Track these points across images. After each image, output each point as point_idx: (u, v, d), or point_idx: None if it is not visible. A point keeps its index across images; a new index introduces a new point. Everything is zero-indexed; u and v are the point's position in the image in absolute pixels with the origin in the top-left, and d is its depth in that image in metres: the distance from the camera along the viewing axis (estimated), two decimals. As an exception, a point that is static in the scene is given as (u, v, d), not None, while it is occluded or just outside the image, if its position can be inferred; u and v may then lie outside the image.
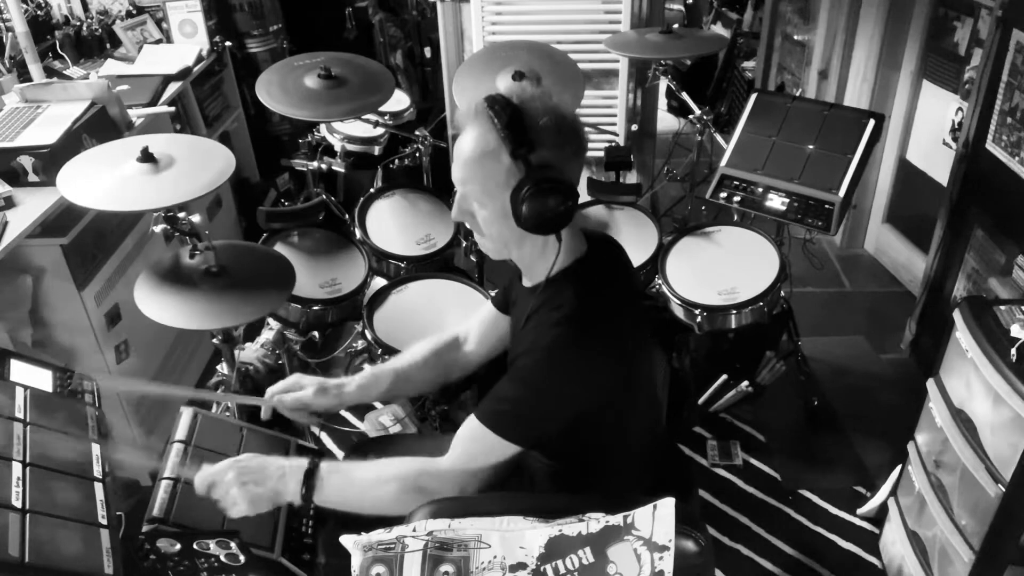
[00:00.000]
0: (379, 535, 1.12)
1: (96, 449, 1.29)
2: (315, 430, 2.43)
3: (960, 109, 2.76)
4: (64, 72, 2.63)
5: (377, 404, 2.57)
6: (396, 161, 2.71)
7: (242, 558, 1.24)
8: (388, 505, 1.24)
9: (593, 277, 1.29)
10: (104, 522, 1.17)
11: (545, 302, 1.25)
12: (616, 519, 1.08)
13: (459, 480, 1.24)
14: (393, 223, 2.40)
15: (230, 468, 1.25)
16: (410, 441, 1.89)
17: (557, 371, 1.21)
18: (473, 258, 2.55)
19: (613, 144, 3.00)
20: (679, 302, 2.19)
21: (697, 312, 2.16)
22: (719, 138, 2.73)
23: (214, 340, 1.92)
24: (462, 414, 2.25)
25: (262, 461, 1.28)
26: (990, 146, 2.29)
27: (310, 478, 1.25)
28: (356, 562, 1.11)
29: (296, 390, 1.50)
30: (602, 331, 1.23)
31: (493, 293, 1.63)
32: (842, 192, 2.18)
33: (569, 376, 1.21)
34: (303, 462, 1.27)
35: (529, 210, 1.16)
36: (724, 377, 2.29)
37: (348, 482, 1.28)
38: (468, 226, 1.30)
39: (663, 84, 3.12)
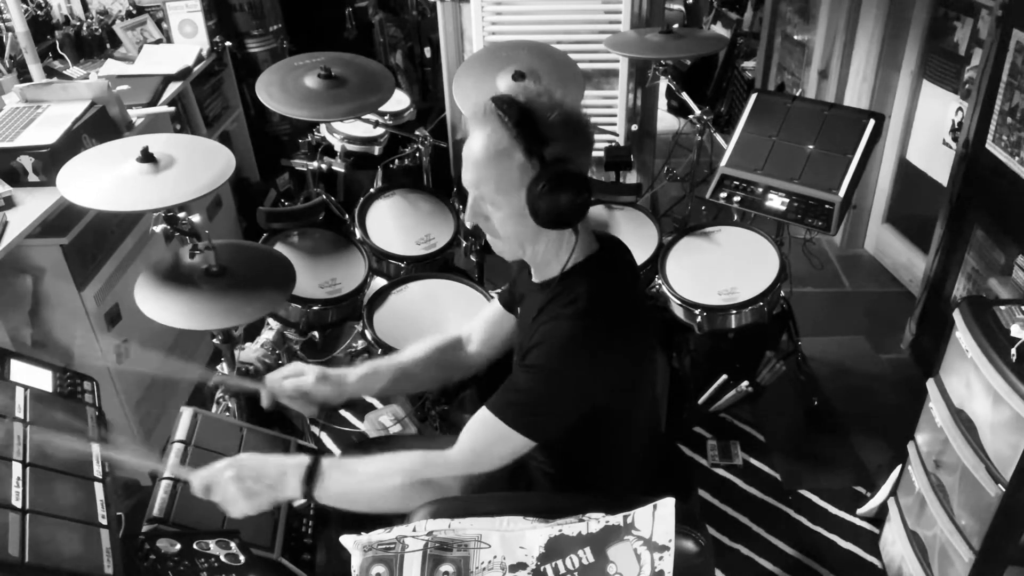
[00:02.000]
0: (379, 535, 1.12)
1: (96, 449, 1.29)
2: (315, 430, 2.43)
3: (960, 109, 2.76)
4: (64, 72, 2.63)
5: (377, 404, 2.57)
6: (396, 161, 2.72)
7: (242, 558, 1.24)
8: (392, 499, 1.23)
9: (605, 274, 1.30)
10: (104, 522, 1.17)
11: (557, 296, 1.26)
12: (616, 519, 1.08)
13: (465, 471, 1.24)
14: (393, 223, 2.40)
15: (228, 467, 1.24)
16: (410, 441, 1.89)
17: (570, 365, 1.21)
18: (473, 258, 2.55)
19: (613, 144, 3.00)
20: (679, 302, 2.19)
21: (697, 312, 2.16)
22: (719, 138, 2.73)
23: (214, 340, 1.92)
24: (463, 415, 2.25)
25: (261, 459, 1.28)
26: (990, 146, 2.29)
27: (311, 474, 1.24)
28: (356, 562, 1.11)
29: (296, 376, 1.49)
30: (615, 327, 1.23)
31: (498, 291, 1.62)
32: (842, 192, 2.18)
33: (582, 370, 1.21)
34: (303, 459, 1.26)
35: (548, 205, 1.16)
36: (724, 377, 2.29)
37: (350, 477, 1.27)
38: (483, 229, 1.30)
39: (663, 84, 3.12)
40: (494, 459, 1.24)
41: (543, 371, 1.22)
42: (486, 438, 1.24)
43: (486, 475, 1.24)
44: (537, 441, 1.23)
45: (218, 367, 2.02)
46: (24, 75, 2.44)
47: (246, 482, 1.23)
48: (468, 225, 1.30)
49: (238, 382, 1.75)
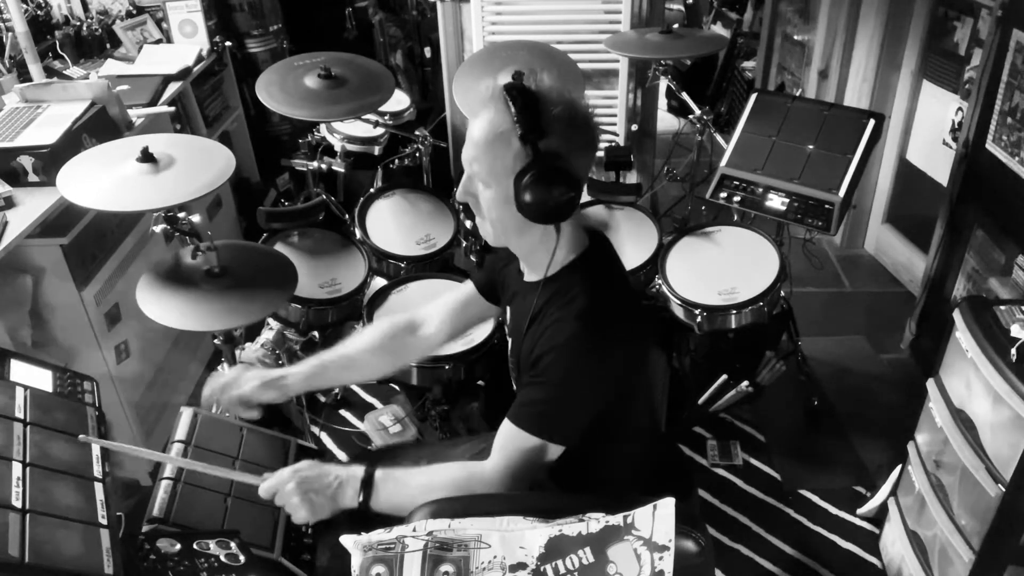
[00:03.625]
0: (379, 535, 1.12)
1: (96, 449, 1.29)
2: (315, 430, 2.43)
3: (960, 109, 2.76)
4: (64, 72, 2.63)
5: (377, 404, 2.57)
6: (396, 161, 2.72)
7: (242, 558, 1.24)
8: None
9: (600, 270, 1.30)
10: (104, 522, 1.16)
11: (554, 296, 1.26)
12: (616, 519, 1.08)
13: (505, 484, 1.25)
14: (393, 223, 2.40)
15: (291, 478, 1.26)
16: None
17: (582, 364, 1.21)
18: (473, 258, 2.55)
19: (613, 144, 3.00)
20: (679, 302, 2.19)
21: (697, 312, 2.16)
22: (719, 138, 2.73)
23: (215, 340, 1.92)
24: (463, 415, 2.26)
25: (321, 470, 1.29)
26: (990, 146, 2.29)
27: (367, 486, 1.26)
28: (356, 562, 1.11)
29: (238, 386, 1.47)
30: (617, 324, 1.24)
31: (473, 273, 1.61)
32: (842, 192, 2.18)
33: (592, 368, 1.22)
34: (359, 471, 1.28)
35: (530, 197, 1.16)
36: (724, 377, 2.28)
37: (401, 489, 1.28)
38: (471, 208, 1.30)
39: (663, 84, 3.12)
40: (531, 470, 1.25)
41: (559, 376, 1.22)
42: (519, 453, 1.25)
43: (527, 485, 1.26)
44: (568, 445, 1.24)
45: (218, 367, 2.02)
46: (24, 75, 2.44)
47: (308, 493, 1.25)
48: (458, 200, 1.30)
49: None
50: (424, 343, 1.60)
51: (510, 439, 1.25)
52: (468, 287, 1.58)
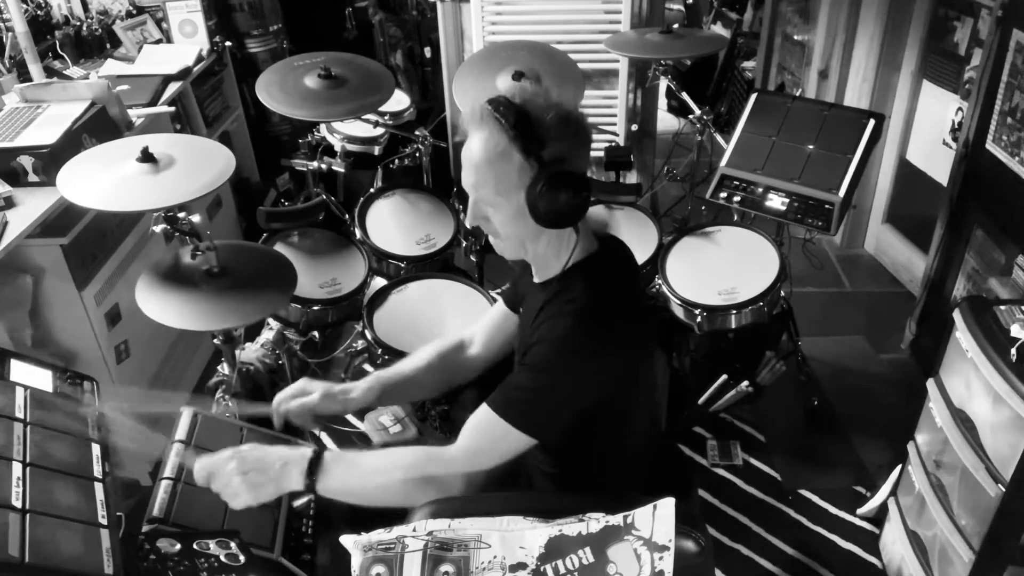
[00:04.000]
0: (379, 535, 1.12)
1: (96, 449, 1.29)
2: (315, 430, 2.43)
3: (960, 109, 2.76)
4: (64, 72, 2.63)
5: (377, 404, 2.57)
6: (396, 161, 2.72)
7: (242, 558, 1.24)
8: (394, 494, 1.24)
9: (604, 273, 1.30)
10: (104, 522, 1.17)
11: (557, 295, 1.26)
12: (616, 519, 1.08)
13: (466, 468, 1.24)
14: (393, 223, 2.40)
15: (231, 458, 1.24)
16: (412, 442, 1.88)
17: (569, 362, 1.21)
18: (473, 258, 2.55)
19: (613, 144, 3.00)
20: (679, 302, 2.19)
21: (697, 312, 2.16)
22: (719, 138, 2.73)
23: (215, 340, 1.92)
24: (463, 415, 2.25)
25: (264, 451, 1.27)
26: (990, 146, 2.29)
27: (313, 467, 1.24)
28: (356, 562, 1.11)
29: (302, 396, 1.49)
30: (613, 325, 1.24)
31: (501, 291, 1.63)
32: (842, 192, 2.18)
33: (581, 367, 1.22)
34: (306, 451, 1.26)
35: (547, 205, 1.17)
36: (724, 377, 2.29)
37: (352, 470, 1.27)
38: (484, 230, 1.30)
39: (663, 84, 3.13)
40: (495, 456, 1.24)
41: (543, 369, 1.22)
42: (487, 436, 1.24)
43: (487, 472, 1.24)
44: (538, 439, 1.23)
45: (218, 367, 2.02)
46: (24, 75, 2.44)
47: (249, 473, 1.23)
48: (469, 226, 1.31)
49: (246, 409, 1.73)
50: (473, 362, 1.62)
51: (483, 423, 1.24)
52: (500, 305, 1.59)
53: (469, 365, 1.62)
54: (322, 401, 1.48)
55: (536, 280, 1.37)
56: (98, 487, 1.22)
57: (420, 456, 1.26)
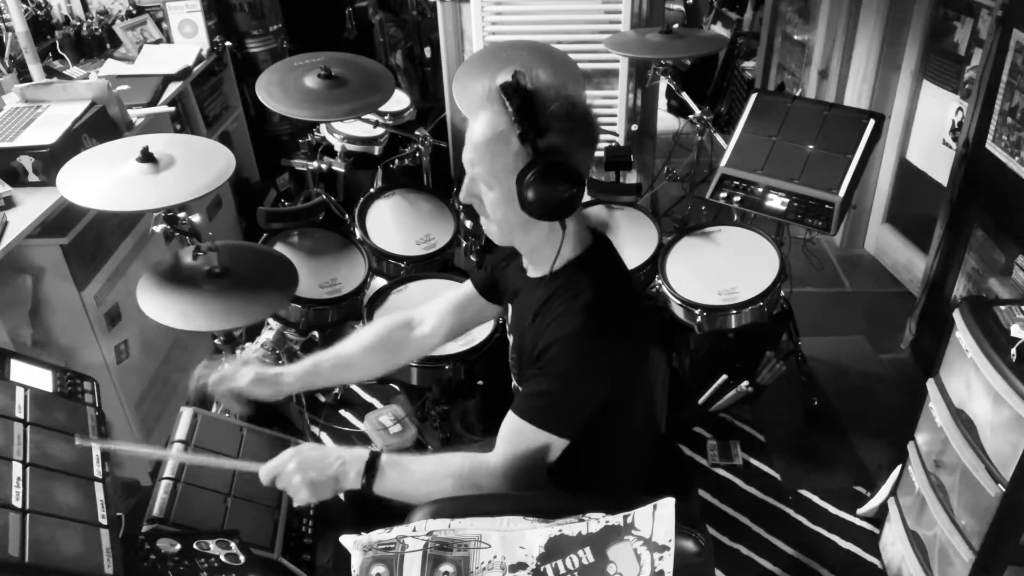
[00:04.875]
0: (379, 535, 1.12)
1: (96, 449, 1.29)
2: (315, 430, 2.43)
3: (960, 109, 2.76)
4: (64, 72, 2.63)
5: (377, 404, 2.57)
6: (396, 161, 2.72)
7: (242, 558, 1.24)
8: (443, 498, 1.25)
9: (605, 267, 1.31)
10: (104, 522, 1.17)
11: (558, 291, 1.26)
12: (616, 519, 1.08)
13: (509, 476, 1.25)
14: (393, 223, 2.40)
15: (291, 459, 1.25)
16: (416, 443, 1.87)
17: (586, 357, 1.22)
18: (473, 258, 2.55)
19: (613, 144, 3.00)
20: (679, 302, 2.19)
21: (697, 312, 2.16)
22: (719, 138, 2.73)
23: (215, 341, 1.92)
24: (463, 416, 2.25)
25: (322, 451, 1.28)
26: (990, 146, 2.29)
27: (371, 468, 1.25)
28: (356, 562, 1.11)
29: (233, 380, 1.48)
30: (620, 319, 1.24)
31: (473, 273, 1.61)
32: (842, 192, 2.18)
33: (595, 362, 1.22)
34: (363, 452, 1.27)
35: (533, 194, 1.17)
36: (724, 377, 2.29)
37: (406, 476, 1.27)
38: (476, 209, 1.30)
39: (663, 84, 3.13)
40: (535, 464, 1.25)
41: (563, 369, 1.22)
42: (524, 445, 1.25)
43: (528, 474, 1.25)
44: (569, 439, 1.24)
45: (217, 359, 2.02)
46: (24, 75, 2.44)
47: (309, 473, 1.24)
48: (462, 202, 1.30)
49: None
50: (420, 343, 1.60)
51: (514, 432, 1.25)
52: (467, 287, 1.58)
53: (415, 345, 1.60)
54: (253, 385, 1.47)
55: (530, 274, 1.36)
56: (98, 487, 1.22)
57: (467, 465, 1.27)
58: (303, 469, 1.24)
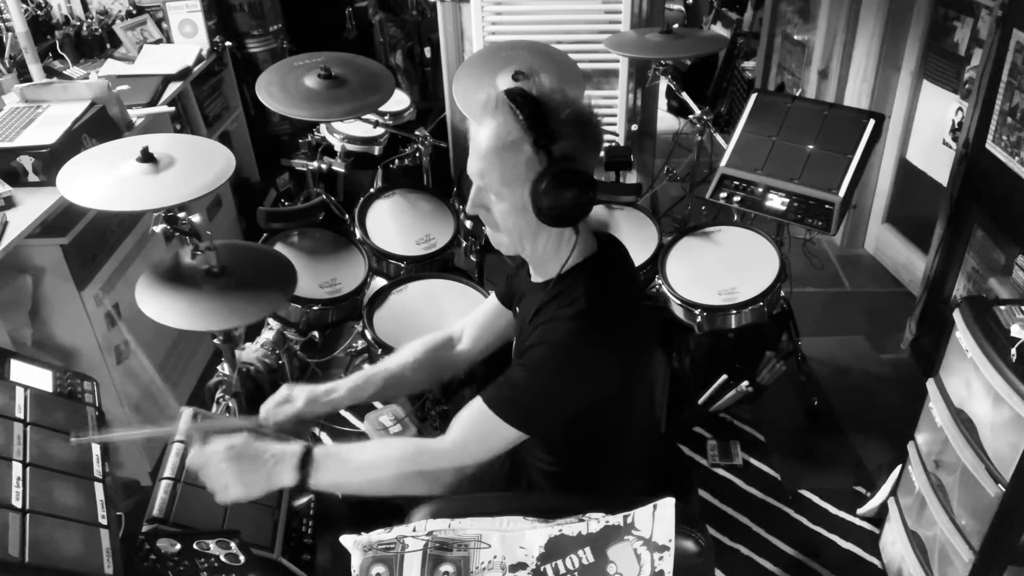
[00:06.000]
0: (379, 535, 1.12)
1: (96, 449, 1.29)
2: (315, 430, 2.43)
3: (960, 109, 2.76)
4: (64, 72, 2.63)
5: (377, 404, 2.56)
6: (396, 161, 2.71)
7: (242, 558, 1.24)
8: (385, 487, 1.24)
9: (604, 275, 1.30)
10: (104, 522, 1.17)
11: (556, 297, 1.26)
12: (616, 519, 1.08)
13: (457, 461, 1.23)
14: (393, 223, 2.40)
15: (224, 450, 1.23)
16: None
17: (566, 365, 1.21)
18: (473, 258, 2.55)
19: (613, 144, 3.00)
20: (679, 302, 2.19)
21: (697, 312, 2.16)
22: (719, 138, 2.73)
23: (215, 340, 1.92)
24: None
25: (256, 446, 1.26)
26: (990, 146, 2.29)
27: (305, 462, 1.23)
28: (356, 562, 1.11)
29: (287, 403, 1.47)
30: (612, 329, 1.23)
31: (496, 286, 1.62)
32: (842, 192, 2.18)
33: (577, 371, 1.22)
34: (296, 446, 1.25)
35: (551, 201, 1.16)
36: (724, 377, 2.29)
37: (344, 465, 1.26)
38: (483, 220, 1.30)
39: (663, 84, 3.12)
40: (485, 450, 1.24)
41: (539, 369, 1.22)
42: (479, 430, 1.24)
43: (477, 466, 1.24)
44: (529, 435, 1.23)
45: (218, 367, 2.03)
46: (24, 75, 2.44)
47: (242, 466, 1.21)
48: (469, 213, 1.30)
49: (227, 424, 1.62)
50: (460, 357, 1.61)
51: (475, 416, 1.24)
52: (492, 300, 1.58)
53: (457, 360, 1.61)
54: (307, 406, 1.46)
55: (534, 279, 1.36)
56: (98, 487, 1.23)
57: (410, 449, 1.26)
58: (236, 465, 1.21)
